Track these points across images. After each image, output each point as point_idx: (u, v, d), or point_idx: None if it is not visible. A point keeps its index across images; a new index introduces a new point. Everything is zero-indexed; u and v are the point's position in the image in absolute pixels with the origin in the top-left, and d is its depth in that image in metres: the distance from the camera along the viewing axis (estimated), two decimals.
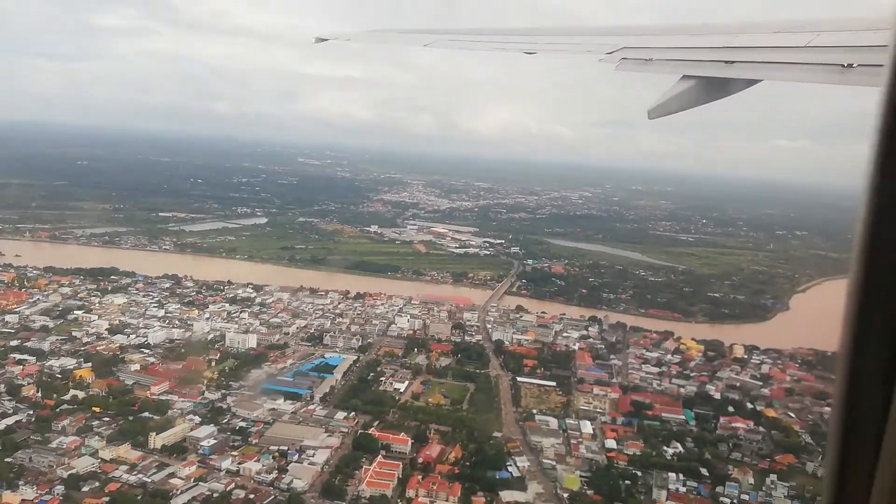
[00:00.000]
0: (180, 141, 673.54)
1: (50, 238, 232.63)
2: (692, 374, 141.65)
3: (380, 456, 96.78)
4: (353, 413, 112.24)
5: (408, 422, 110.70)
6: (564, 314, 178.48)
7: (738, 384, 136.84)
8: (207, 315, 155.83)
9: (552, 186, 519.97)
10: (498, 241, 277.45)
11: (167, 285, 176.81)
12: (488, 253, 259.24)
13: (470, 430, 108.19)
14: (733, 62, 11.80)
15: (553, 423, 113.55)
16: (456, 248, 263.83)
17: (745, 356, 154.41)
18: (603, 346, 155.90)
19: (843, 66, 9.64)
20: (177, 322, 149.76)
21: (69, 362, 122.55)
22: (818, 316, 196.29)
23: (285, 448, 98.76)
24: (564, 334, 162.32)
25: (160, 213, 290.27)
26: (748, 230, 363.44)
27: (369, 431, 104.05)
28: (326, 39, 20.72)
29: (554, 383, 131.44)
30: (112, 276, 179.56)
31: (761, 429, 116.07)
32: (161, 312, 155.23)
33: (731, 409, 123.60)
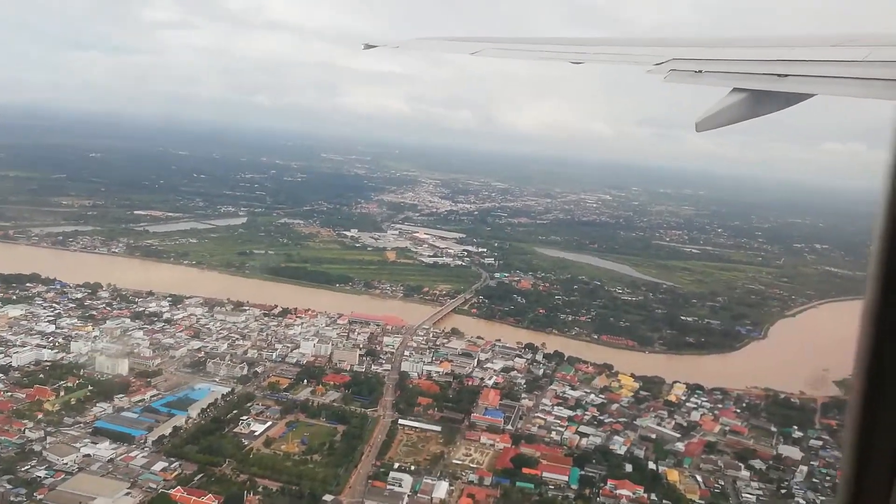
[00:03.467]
0: (215, 133, 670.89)
1: (2, 237, 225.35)
2: (607, 421, 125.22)
3: None
4: (177, 463, 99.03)
5: (236, 476, 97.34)
6: (500, 339, 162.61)
7: (653, 435, 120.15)
8: (96, 333, 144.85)
9: (574, 188, 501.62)
10: (478, 251, 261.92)
11: (80, 295, 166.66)
12: (460, 263, 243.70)
13: (300, 491, 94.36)
14: (786, 76, 11.13)
15: (407, 482, 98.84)
16: (428, 256, 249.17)
17: (682, 398, 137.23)
18: (523, 382, 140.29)
19: None
20: (59, 341, 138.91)
21: None
22: (795, 346, 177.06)
23: None
24: (487, 365, 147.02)
25: (136, 212, 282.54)
26: (764, 241, 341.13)
27: (171, 491, 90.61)
28: (375, 46, 20.77)
29: (439, 428, 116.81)
30: (27, 283, 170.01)
31: (652, 497, 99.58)
32: (51, 328, 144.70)
33: (629, 468, 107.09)
